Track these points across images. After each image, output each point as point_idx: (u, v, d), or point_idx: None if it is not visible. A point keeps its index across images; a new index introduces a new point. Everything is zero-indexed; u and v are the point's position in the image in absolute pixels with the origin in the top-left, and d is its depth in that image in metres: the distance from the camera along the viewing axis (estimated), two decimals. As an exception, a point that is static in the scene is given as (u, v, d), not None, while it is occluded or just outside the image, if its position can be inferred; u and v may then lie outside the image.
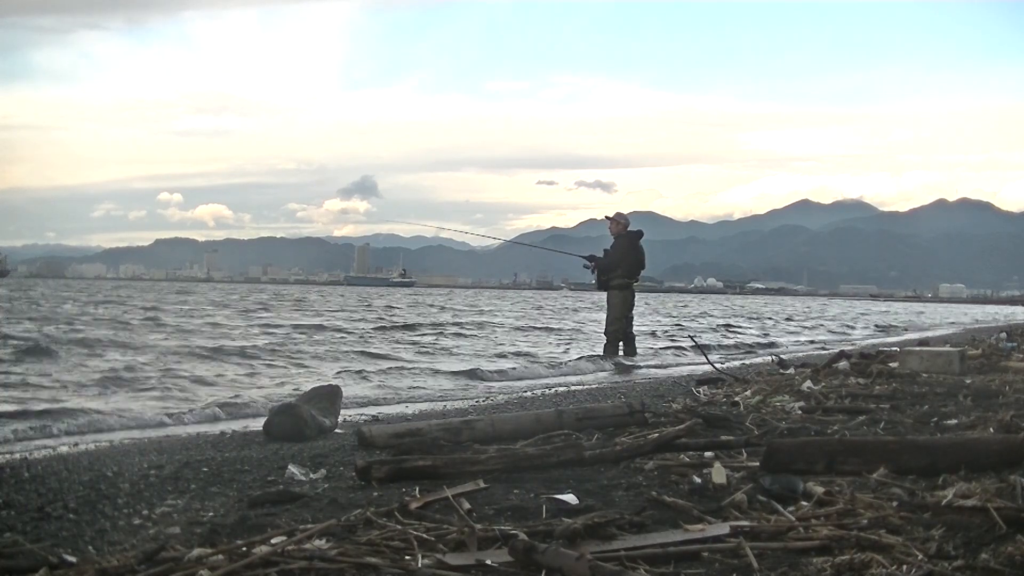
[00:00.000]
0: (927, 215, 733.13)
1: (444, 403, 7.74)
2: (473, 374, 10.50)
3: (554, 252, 13.96)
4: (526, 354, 13.92)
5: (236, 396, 7.94)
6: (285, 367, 11.23)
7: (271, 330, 18.57)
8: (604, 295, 12.22)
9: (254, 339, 15.72)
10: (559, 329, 21.59)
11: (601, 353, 12.23)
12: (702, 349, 10.91)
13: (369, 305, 39.89)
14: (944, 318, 39.02)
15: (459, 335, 18.57)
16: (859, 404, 5.55)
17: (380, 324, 22.33)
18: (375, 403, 7.81)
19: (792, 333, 22.98)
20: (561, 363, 12.07)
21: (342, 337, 16.97)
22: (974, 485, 2.89)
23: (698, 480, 3.30)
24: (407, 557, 2.35)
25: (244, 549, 2.40)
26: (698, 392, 6.83)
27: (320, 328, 19.47)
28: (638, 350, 12.56)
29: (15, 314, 23.42)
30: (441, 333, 18.93)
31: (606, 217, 12.46)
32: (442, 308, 37.62)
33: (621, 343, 12.14)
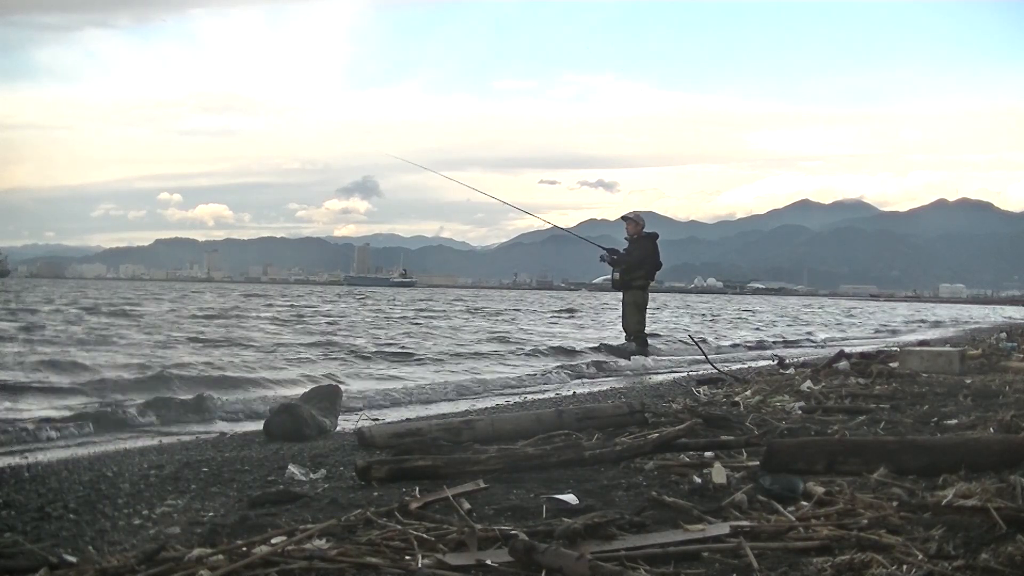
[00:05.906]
0: (927, 215, 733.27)
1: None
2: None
3: (589, 243, 13.63)
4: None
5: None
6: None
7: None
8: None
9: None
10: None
11: (633, 350, 12.22)
12: (702, 349, 10.90)
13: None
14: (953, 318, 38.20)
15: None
16: (859, 404, 5.55)
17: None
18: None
19: (793, 332, 22.94)
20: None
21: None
22: (974, 485, 2.89)
23: (698, 480, 3.29)
24: (407, 557, 2.35)
25: (244, 549, 2.40)
26: (698, 392, 6.83)
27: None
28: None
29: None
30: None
31: (623, 217, 12.42)
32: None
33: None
